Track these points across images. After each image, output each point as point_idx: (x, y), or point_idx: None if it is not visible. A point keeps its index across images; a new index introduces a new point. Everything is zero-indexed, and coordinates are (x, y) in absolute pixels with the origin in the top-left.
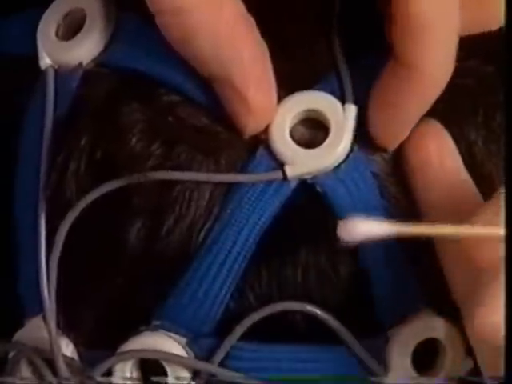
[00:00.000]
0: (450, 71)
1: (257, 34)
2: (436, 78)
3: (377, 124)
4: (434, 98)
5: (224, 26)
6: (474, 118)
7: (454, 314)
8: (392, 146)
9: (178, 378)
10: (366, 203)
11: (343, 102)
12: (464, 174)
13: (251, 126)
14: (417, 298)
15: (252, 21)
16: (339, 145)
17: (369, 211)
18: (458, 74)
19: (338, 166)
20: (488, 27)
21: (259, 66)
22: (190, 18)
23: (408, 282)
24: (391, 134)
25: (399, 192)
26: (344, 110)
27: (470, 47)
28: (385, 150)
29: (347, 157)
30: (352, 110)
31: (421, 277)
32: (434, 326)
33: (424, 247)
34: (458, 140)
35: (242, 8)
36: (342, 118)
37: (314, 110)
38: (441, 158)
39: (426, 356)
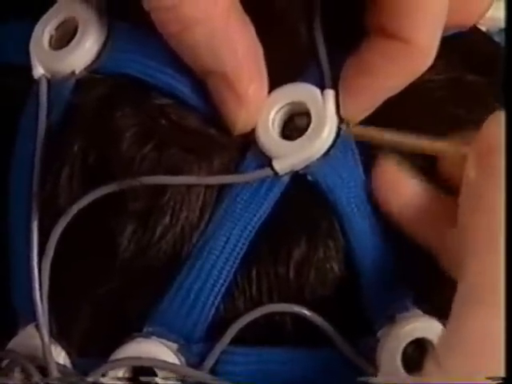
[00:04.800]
0: (437, 44)
1: (251, 28)
2: (428, 51)
3: (349, 98)
4: (421, 72)
5: (219, 19)
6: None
7: (443, 313)
8: (359, 118)
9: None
10: (358, 185)
11: (322, 89)
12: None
13: (242, 120)
14: (406, 298)
15: (245, 15)
16: (322, 131)
17: (361, 193)
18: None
19: (327, 153)
20: (469, 21)
21: (253, 59)
22: (184, 11)
23: (397, 282)
24: (362, 107)
25: None
26: (323, 96)
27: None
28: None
29: (335, 142)
30: (330, 94)
31: (410, 277)
32: (424, 326)
33: (412, 246)
34: None
35: (237, 2)
36: (322, 104)
37: (294, 103)
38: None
39: (415, 356)
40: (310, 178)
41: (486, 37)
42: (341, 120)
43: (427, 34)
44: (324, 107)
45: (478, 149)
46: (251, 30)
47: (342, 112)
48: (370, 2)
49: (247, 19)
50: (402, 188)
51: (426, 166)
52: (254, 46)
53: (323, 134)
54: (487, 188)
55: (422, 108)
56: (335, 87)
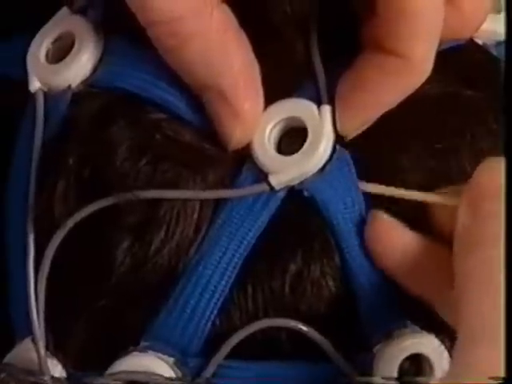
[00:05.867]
0: (433, 59)
1: (246, 43)
2: (424, 65)
3: (345, 113)
4: (417, 86)
5: (214, 34)
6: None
7: (439, 329)
8: (355, 133)
9: None
10: (354, 201)
11: (319, 104)
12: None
13: (238, 136)
14: (403, 314)
15: (241, 30)
16: (318, 147)
17: (357, 209)
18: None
19: (323, 168)
20: (464, 33)
21: (248, 74)
22: (180, 26)
23: (394, 298)
24: (358, 122)
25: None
26: (319, 111)
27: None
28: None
29: (331, 157)
30: (327, 110)
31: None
32: (421, 342)
33: None
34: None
35: (232, 17)
36: (318, 120)
37: (291, 118)
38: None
39: (412, 371)
40: (305, 193)
41: (482, 50)
42: (337, 135)
43: (422, 48)
44: (320, 123)
45: (469, 196)
46: (247, 46)
47: (338, 127)
48: (366, 17)
49: (243, 35)
50: (396, 240)
51: (418, 218)
52: (251, 61)
53: (319, 150)
54: (481, 231)
55: (417, 122)
56: (332, 102)
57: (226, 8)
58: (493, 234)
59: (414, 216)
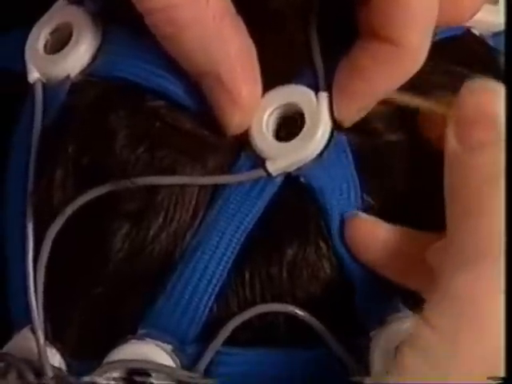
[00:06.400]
0: (428, 46)
1: (243, 29)
2: (419, 53)
3: (342, 101)
4: (412, 74)
5: (211, 21)
6: None
7: None
8: (352, 121)
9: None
10: (350, 187)
11: (316, 91)
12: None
13: (236, 121)
14: (397, 299)
15: (238, 17)
16: (316, 133)
17: (354, 195)
18: None
19: (321, 155)
20: (460, 19)
21: (246, 60)
22: (177, 13)
23: (388, 283)
24: (355, 109)
25: (382, 171)
26: (317, 98)
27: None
28: (366, 133)
29: (328, 144)
30: (324, 97)
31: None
32: None
33: None
34: None
35: (229, 4)
36: (316, 107)
37: (289, 104)
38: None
39: None
40: (302, 179)
41: (479, 41)
42: (334, 122)
43: (417, 36)
44: (318, 109)
45: (457, 122)
46: (244, 32)
47: (335, 114)
48: (361, 5)
49: (240, 21)
50: (374, 235)
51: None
52: (248, 47)
53: (317, 136)
54: (471, 163)
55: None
56: (329, 90)
57: None
58: (483, 164)
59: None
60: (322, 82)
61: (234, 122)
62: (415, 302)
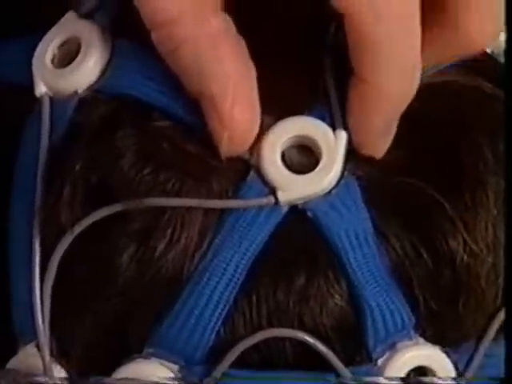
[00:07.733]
0: (411, 88)
1: (244, 52)
2: (392, 93)
3: (357, 137)
4: (396, 113)
5: (204, 40)
6: None
7: (444, 341)
8: (378, 154)
9: None
10: (357, 228)
11: (333, 127)
12: None
13: (227, 144)
14: (408, 326)
15: (241, 40)
16: (331, 171)
17: (360, 236)
18: None
19: (329, 192)
20: (467, 51)
21: (242, 82)
22: (176, 29)
23: (399, 310)
24: (371, 145)
25: (391, 215)
26: (335, 136)
27: None
28: (377, 175)
29: (338, 182)
30: (343, 136)
31: (411, 304)
32: (426, 354)
33: (416, 275)
34: None
35: (230, 26)
36: (334, 145)
37: (304, 136)
38: None
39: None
40: (309, 214)
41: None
42: (346, 160)
43: (395, 80)
44: (335, 148)
45: None
46: (243, 54)
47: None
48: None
49: (241, 42)
50: None
51: None
52: (246, 69)
53: (332, 173)
54: None
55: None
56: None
57: (225, 17)
58: None
59: None
60: (339, 120)
61: (225, 145)
62: (428, 330)
